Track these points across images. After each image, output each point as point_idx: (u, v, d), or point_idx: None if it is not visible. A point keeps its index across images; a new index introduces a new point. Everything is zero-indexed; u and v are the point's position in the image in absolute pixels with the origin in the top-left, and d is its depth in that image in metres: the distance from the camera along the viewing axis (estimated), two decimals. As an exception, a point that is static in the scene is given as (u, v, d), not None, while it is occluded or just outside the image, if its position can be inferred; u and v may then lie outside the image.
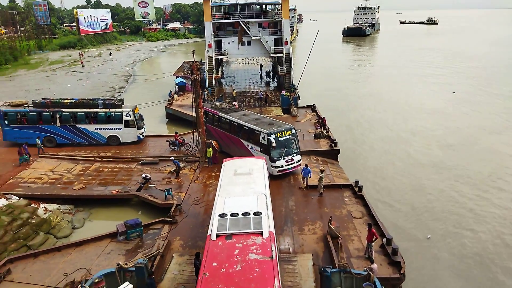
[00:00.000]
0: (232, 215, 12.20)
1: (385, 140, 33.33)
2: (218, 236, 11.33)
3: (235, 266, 10.30)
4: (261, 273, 10.09)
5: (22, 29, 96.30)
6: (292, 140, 22.46)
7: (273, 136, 21.60)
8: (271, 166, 21.76)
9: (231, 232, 11.45)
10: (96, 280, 12.02)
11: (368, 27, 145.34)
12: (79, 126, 28.70)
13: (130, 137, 29.24)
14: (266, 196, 13.94)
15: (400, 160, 29.25)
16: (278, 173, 22.04)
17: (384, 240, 15.36)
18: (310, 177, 21.08)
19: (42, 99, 30.28)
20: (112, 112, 28.73)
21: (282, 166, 22.06)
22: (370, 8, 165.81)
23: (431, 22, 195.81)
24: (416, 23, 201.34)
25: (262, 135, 22.21)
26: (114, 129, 28.96)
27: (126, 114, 28.61)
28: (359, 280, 12.48)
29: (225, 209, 12.70)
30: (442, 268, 17.47)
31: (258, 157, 19.14)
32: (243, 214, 12.20)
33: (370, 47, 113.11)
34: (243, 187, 14.70)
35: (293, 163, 22.44)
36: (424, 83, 57.06)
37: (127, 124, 28.79)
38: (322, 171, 20.58)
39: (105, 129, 28.92)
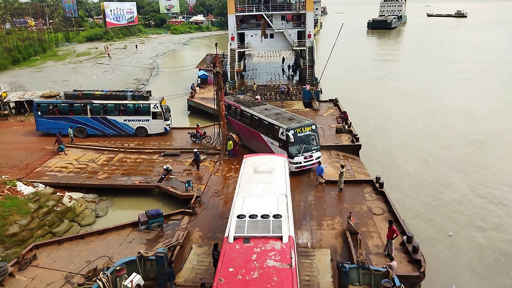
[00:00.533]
0: (250, 216, 11.77)
1: (408, 136, 32.67)
2: (235, 238, 10.94)
3: (252, 273, 9.86)
4: (279, 282, 9.58)
5: (51, 21, 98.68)
6: (312, 136, 22.05)
7: (291, 131, 21.27)
8: (289, 162, 21.38)
9: (249, 235, 11.02)
10: (118, 268, 12.37)
11: (394, 20, 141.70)
12: (109, 117, 29.32)
13: (157, 128, 29.65)
14: (286, 197, 13.40)
15: (423, 156, 28.61)
16: (296, 170, 21.65)
17: (404, 237, 15.11)
18: (323, 175, 20.73)
19: (74, 90, 31.08)
20: (140, 103, 29.16)
21: (301, 163, 21.70)
22: (397, 0, 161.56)
23: (460, 15, 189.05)
24: (444, 16, 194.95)
25: (281, 130, 21.93)
26: (142, 121, 29.43)
27: (154, 105, 28.98)
28: (377, 277, 12.36)
29: (244, 209, 12.27)
30: (463, 267, 17.08)
31: (279, 155, 18.59)
32: (262, 217, 11.74)
33: (396, 41, 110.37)
34: (263, 186, 14.23)
35: (312, 159, 22.01)
36: (451, 79, 55.36)
37: (155, 115, 29.20)
38: (342, 166, 20.32)
39: (134, 121, 29.43)
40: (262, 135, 24.03)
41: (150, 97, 29.81)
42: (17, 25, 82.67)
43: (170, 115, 30.53)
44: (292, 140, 21.08)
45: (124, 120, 29.43)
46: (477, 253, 17.94)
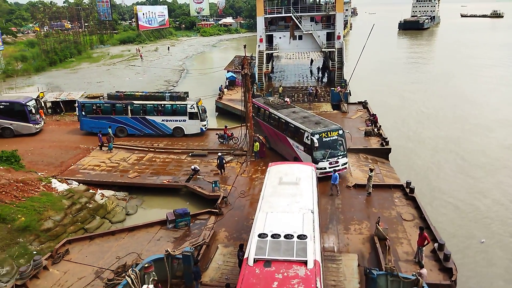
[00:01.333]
0: (273, 236, 10.77)
1: (440, 140, 31.66)
2: (256, 261, 10.01)
3: None
4: None
5: (86, 24, 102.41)
6: (338, 141, 21.38)
7: (317, 136, 20.72)
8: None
9: (270, 258, 10.03)
10: (146, 265, 12.60)
11: (426, 20, 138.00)
12: (148, 117, 29.86)
13: (194, 128, 29.95)
14: (313, 213, 12.29)
15: (455, 160, 27.70)
16: (321, 175, 20.57)
17: (436, 245, 14.65)
18: (337, 184, 20.02)
19: (116, 92, 31.95)
20: (178, 104, 29.57)
21: (325, 168, 20.95)
22: (430, 0, 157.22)
23: (496, 15, 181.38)
24: (479, 16, 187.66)
25: (306, 134, 21.37)
26: (179, 121, 29.81)
27: (191, 106, 29.28)
28: (406, 285, 12.02)
29: (266, 227, 11.32)
30: (496, 276, 16.36)
31: (307, 163, 17.44)
32: (286, 237, 10.70)
33: (428, 42, 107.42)
34: (288, 200, 13.11)
35: (338, 165, 21.25)
36: (485, 82, 53.34)
37: (191, 116, 29.49)
38: (371, 170, 19.96)
39: (171, 121, 29.86)
40: (288, 138, 23.65)
41: (187, 98, 30.13)
42: (54, 28, 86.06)
43: (206, 116, 30.81)
44: (317, 144, 20.55)
45: (162, 120, 29.89)
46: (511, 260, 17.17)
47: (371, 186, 19.77)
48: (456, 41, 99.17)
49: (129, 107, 29.74)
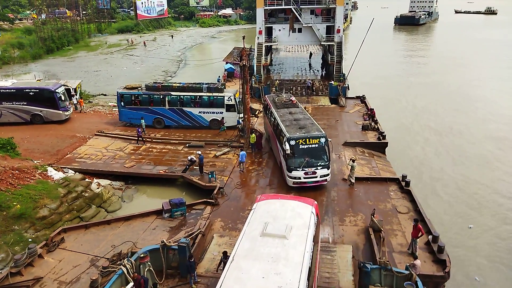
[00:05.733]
0: None
1: (437, 134, 31.93)
2: None
3: None
4: None
5: (84, 12, 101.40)
6: (319, 149, 19.25)
7: (292, 141, 19.01)
8: (287, 175, 19.59)
9: None
10: (142, 255, 12.66)
11: (422, 16, 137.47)
12: (185, 109, 29.31)
13: (231, 121, 29.10)
14: None
15: (451, 155, 27.97)
16: (294, 185, 19.34)
17: (430, 237, 14.78)
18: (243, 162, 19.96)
19: (154, 82, 31.44)
20: (215, 96, 28.90)
21: (299, 178, 19.05)
22: None
23: (490, 12, 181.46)
24: (473, 12, 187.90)
25: (284, 139, 19.53)
26: (216, 113, 29.14)
27: (228, 98, 28.53)
28: (400, 279, 12.12)
29: None
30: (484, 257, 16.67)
31: (307, 201, 12.86)
32: None
33: (424, 37, 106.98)
34: (266, 268, 9.57)
35: (315, 177, 19.09)
36: (482, 78, 53.48)
37: (229, 108, 28.68)
38: (353, 160, 19.99)
39: (208, 113, 29.24)
40: (277, 140, 21.86)
41: (225, 89, 29.43)
42: (56, 16, 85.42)
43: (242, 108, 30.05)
44: (291, 151, 18.89)
45: (199, 112, 29.25)
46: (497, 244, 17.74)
47: (353, 176, 19.88)
48: (452, 37, 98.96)
49: (166, 98, 29.13)
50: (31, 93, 29.71)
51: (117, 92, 30.01)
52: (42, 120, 30.29)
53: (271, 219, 11.51)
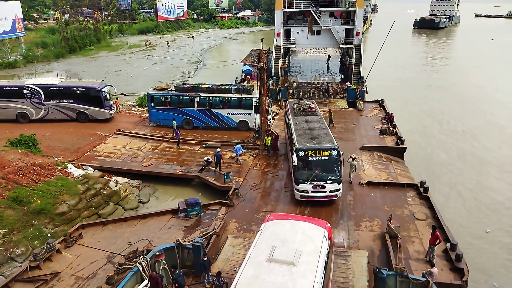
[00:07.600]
0: None
1: (457, 140, 31.28)
2: None
3: None
4: None
5: (106, 13, 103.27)
6: (330, 162, 18.12)
7: (301, 152, 17.99)
8: (294, 188, 18.70)
9: None
10: (157, 253, 12.81)
11: (442, 19, 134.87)
12: (214, 110, 29.38)
13: (259, 123, 28.63)
14: None
15: (472, 160, 27.45)
16: (301, 199, 18.43)
17: (448, 245, 14.48)
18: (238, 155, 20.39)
19: (183, 83, 31.82)
20: (244, 97, 28.90)
21: (307, 192, 18.06)
22: None
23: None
24: (494, 16, 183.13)
25: (294, 149, 18.65)
26: (244, 114, 29.16)
27: (257, 100, 27.82)
28: (416, 286, 11.89)
29: None
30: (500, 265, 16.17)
31: (319, 223, 11.98)
32: None
33: (444, 41, 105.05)
34: None
35: (325, 191, 18.00)
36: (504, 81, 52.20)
37: (257, 109, 27.84)
38: (353, 159, 20.01)
39: (236, 114, 29.27)
40: (289, 149, 21.24)
41: (253, 91, 29.33)
42: (84, 16, 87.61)
43: (271, 110, 29.97)
44: (298, 163, 17.95)
45: (228, 113, 29.30)
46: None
47: (351, 175, 20.11)
48: (472, 41, 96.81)
49: (195, 100, 29.28)
50: (78, 92, 30.33)
51: (147, 93, 30.31)
52: (87, 118, 30.91)
53: (279, 242, 10.64)
